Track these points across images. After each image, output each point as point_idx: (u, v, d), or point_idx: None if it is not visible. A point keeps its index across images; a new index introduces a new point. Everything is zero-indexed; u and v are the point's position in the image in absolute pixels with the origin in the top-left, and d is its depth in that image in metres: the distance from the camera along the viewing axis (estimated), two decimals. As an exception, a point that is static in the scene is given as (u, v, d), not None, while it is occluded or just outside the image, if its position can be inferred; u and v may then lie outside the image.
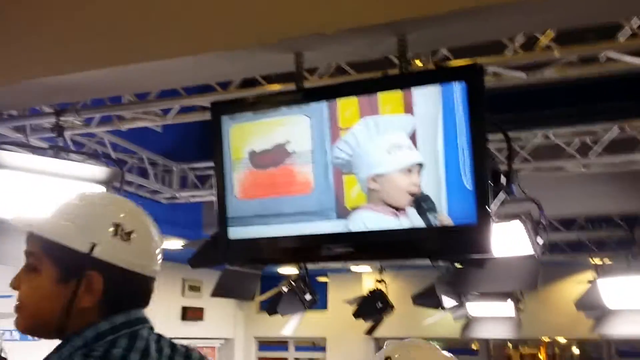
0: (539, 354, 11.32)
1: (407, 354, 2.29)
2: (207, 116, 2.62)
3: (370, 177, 2.08)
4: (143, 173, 5.65)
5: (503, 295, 6.58)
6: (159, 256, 1.49)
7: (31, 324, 1.40)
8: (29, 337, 1.47)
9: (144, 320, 1.43)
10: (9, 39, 2.91)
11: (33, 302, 1.38)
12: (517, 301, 6.94)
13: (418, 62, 2.79)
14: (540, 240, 4.27)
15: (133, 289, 1.42)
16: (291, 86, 2.48)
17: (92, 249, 1.34)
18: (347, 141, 2.12)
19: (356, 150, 2.10)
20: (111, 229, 1.39)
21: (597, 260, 6.47)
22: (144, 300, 1.46)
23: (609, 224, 6.59)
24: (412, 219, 2.03)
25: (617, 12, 2.16)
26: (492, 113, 2.07)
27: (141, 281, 1.43)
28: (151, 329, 1.44)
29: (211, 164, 4.34)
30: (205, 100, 3.59)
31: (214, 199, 2.48)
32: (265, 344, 10.24)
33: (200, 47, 2.47)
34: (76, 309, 1.34)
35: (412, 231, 2.03)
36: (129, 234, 1.40)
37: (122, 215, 1.42)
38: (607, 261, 6.10)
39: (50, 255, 1.37)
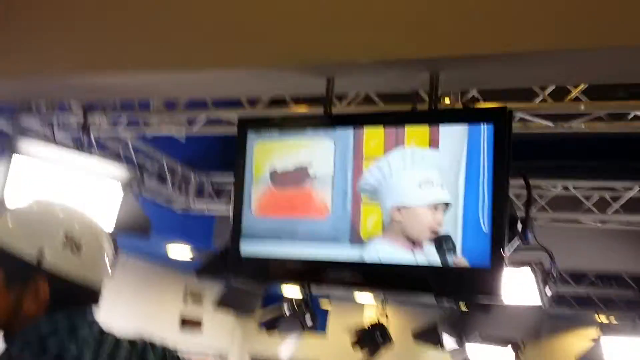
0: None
1: None
2: (232, 130, 2.64)
3: (396, 207, 2.08)
4: (161, 180, 5.69)
5: (504, 342, 6.50)
6: (109, 269, 1.47)
7: None
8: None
9: (87, 317, 1.41)
10: (43, 33, 2.93)
11: None
12: (518, 349, 6.84)
13: (447, 100, 2.81)
14: (548, 292, 4.23)
15: (80, 296, 1.40)
16: (318, 109, 2.51)
17: (40, 257, 1.34)
18: (381, 167, 2.12)
19: (387, 179, 2.11)
20: (61, 240, 1.37)
21: (603, 318, 6.37)
22: (92, 301, 1.45)
23: (619, 282, 6.51)
24: (428, 256, 2.02)
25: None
26: (514, 158, 2.07)
27: (90, 290, 1.42)
28: (94, 323, 1.42)
29: (230, 177, 4.37)
30: (232, 115, 3.63)
31: (228, 212, 2.49)
32: (259, 363, 10.16)
33: (234, 61, 2.50)
34: (21, 313, 1.35)
35: (426, 268, 2.03)
36: (79, 246, 1.38)
37: (73, 226, 1.41)
38: (613, 320, 6.00)
39: None
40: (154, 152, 5.46)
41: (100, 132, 4.35)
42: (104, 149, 4.88)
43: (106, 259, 1.46)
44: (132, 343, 1.44)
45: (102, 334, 1.41)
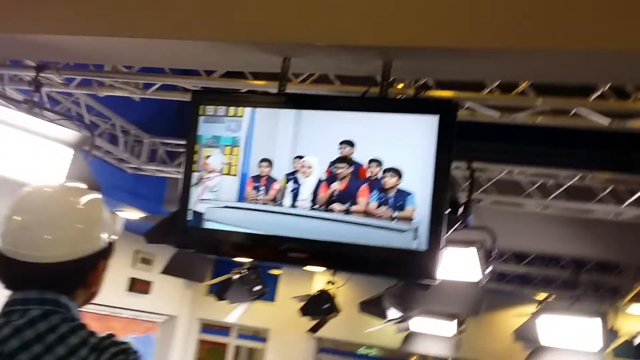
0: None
1: None
2: (186, 97, 2.65)
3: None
4: (113, 140, 5.62)
5: (447, 315, 6.72)
6: (12, 237, 1.48)
7: None
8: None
9: (45, 302, 1.43)
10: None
11: None
12: (459, 322, 7.09)
13: (400, 86, 2.87)
14: (487, 270, 4.40)
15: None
16: (274, 85, 2.54)
17: None
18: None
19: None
20: None
21: (541, 296, 6.67)
22: (14, 281, 1.48)
23: (557, 264, 6.81)
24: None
25: (593, 76, 2.27)
26: (463, 140, 2.16)
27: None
28: (52, 311, 1.43)
29: (183, 141, 4.36)
30: (187, 83, 3.62)
31: (179, 176, 2.51)
32: (208, 327, 10.26)
33: (191, 33, 2.49)
34: None
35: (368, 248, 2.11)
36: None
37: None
38: (550, 298, 6.29)
39: None
40: (107, 112, 5.39)
41: (52, 90, 4.27)
42: (55, 105, 4.79)
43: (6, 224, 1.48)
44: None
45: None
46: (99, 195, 1.63)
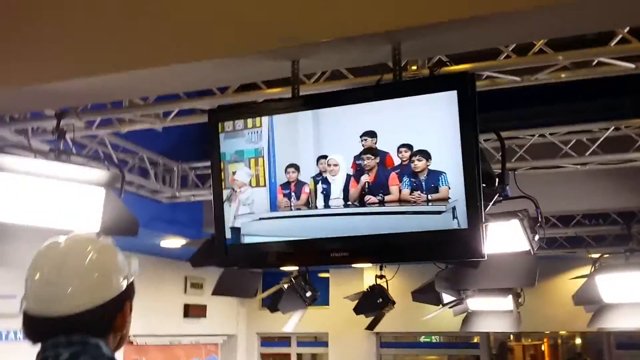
0: (541, 346, 11.38)
1: None
2: (205, 118, 2.66)
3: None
4: (144, 173, 5.69)
5: (502, 291, 6.61)
6: (29, 294, 1.57)
7: None
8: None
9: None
10: (11, 44, 2.94)
11: None
12: (516, 296, 6.98)
13: (413, 68, 2.83)
14: (537, 237, 4.32)
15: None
16: (288, 91, 2.53)
17: None
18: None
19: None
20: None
21: (594, 255, 6.50)
22: (30, 336, 1.57)
23: (606, 220, 6.64)
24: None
25: (607, 23, 2.20)
26: (488, 112, 2.11)
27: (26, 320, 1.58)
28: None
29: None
30: (204, 104, 3.63)
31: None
32: (267, 340, 10.30)
33: (199, 55, 2.51)
34: None
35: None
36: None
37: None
38: (605, 256, 6.13)
39: None
40: (134, 147, 5.46)
41: (76, 134, 4.33)
42: (82, 150, 4.87)
43: (27, 286, 1.58)
44: None
45: None
46: (110, 242, 1.71)
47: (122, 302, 1.61)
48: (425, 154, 2.05)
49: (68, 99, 3.20)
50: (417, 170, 2.06)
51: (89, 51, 2.75)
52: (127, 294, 1.64)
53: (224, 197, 2.40)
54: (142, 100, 3.88)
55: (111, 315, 1.58)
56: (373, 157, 2.12)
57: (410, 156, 2.06)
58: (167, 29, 2.60)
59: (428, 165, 2.05)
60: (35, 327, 1.54)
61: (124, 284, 1.63)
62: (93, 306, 1.53)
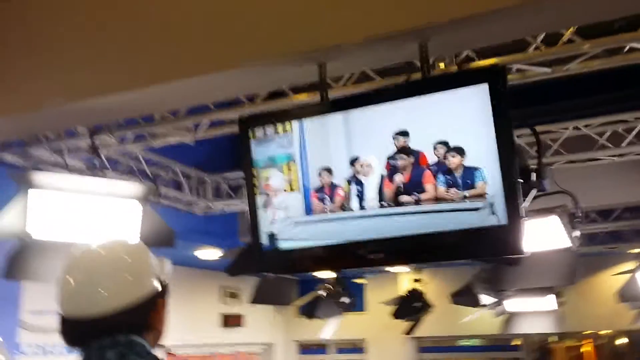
0: (584, 347, 11.12)
1: None
2: (235, 128, 2.68)
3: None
4: (177, 186, 5.76)
5: (542, 290, 6.50)
6: (63, 297, 1.61)
7: None
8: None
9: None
10: (40, 64, 2.99)
11: None
12: (558, 294, 6.84)
13: (441, 65, 2.80)
14: (576, 233, 4.23)
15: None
16: (317, 96, 2.52)
17: None
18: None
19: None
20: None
21: (637, 250, 6.34)
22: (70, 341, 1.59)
23: (647, 212, 6.48)
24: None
25: (637, 6, 2.14)
26: (520, 107, 2.07)
27: (62, 321, 1.60)
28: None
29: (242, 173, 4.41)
30: (233, 114, 3.66)
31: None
32: (305, 348, 10.29)
33: (225, 64, 2.52)
34: None
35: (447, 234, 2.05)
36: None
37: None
38: (648, 250, 5.98)
39: None
40: (167, 161, 5.53)
41: (110, 151, 4.41)
42: (116, 166, 4.95)
43: (61, 292, 1.61)
44: None
45: None
46: (142, 245, 1.76)
47: (155, 300, 1.65)
48: (459, 150, 2.02)
49: (100, 115, 3.25)
50: (451, 167, 2.03)
51: (118, 66, 2.78)
52: (161, 293, 1.68)
53: (259, 203, 2.40)
54: (172, 115, 3.93)
55: (145, 313, 1.61)
56: (407, 157, 2.10)
57: (444, 153, 2.03)
58: (192, 40, 2.61)
59: (462, 162, 2.01)
60: (73, 330, 1.57)
61: (157, 284, 1.66)
62: (128, 306, 1.56)
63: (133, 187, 3.36)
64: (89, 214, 3.19)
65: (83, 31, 2.90)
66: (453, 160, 2.02)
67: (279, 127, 2.36)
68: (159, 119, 3.95)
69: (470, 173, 2.01)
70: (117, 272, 1.60)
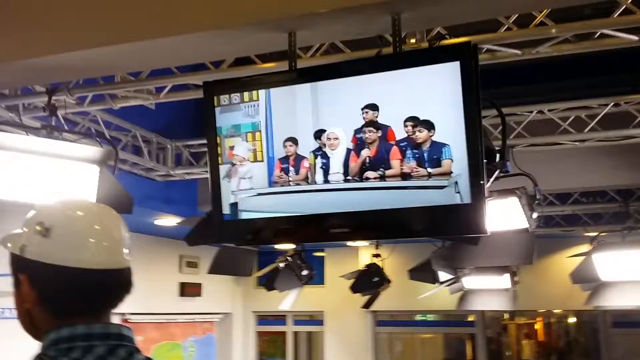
0: (535, 325, 11.45)
1: None
2: (199, 94, 2.61)
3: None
4: (137, 151, 5.63)
5: (499, 269, 6.63)
6: (100, 247, 1.40)
7: (25, 331, 1.43)
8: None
9: (108, 337, 1.35)
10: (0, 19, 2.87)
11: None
12: (513, 274, 6.99)
13: (412, 40, 2.77)
14: (534, 215, 4.30)
15: (73, 284, 1.36)
16: (285, 65, 2.47)
17: (22, 250, 1.37)
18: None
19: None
20: (35, 228, 1.38)
21: (592, 233, 6.50)
22: (103, 296, 1.40)
23: (604, 197, 6.63)
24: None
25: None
26: (486, 88, 2.06)
27: (83, 275, 1.36)
28: (118, 346, 1.36)
29: (205, 141, 4.33)
30: (198, 79, 3.56)
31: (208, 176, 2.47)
32: (263, 318, 10.33)
33: (192, 27, 2.44)
34: (30, 313, 1.38)
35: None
36: (48, 229, 1.37)
37: (45, 214, 1.41)
38: (602, 234, 6.13)
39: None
40: (127, 125, 5.38)
41: (68, 111, 4.27)
42: (74, 127, 4.80)
43: (83, 238, 1.38)
44: None
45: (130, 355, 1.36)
46: None
47: None
48: (428, 124, 2.00)
49: (59, 74, 3.14)
50: (419, 141, 2.01)
51: (79, 24, 2.68)
52: None
53: (221, 172, 2.35)
54: (134, 76, 3.81)
55: None
56: (375, 131, 2.07)
57: (413, 127, 2.01)
58: (158, 0, 2.52)
59: (431, 136, 2.00)
60: (100, 283, 1.38)
61: None
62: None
63: (91, 151, 3.26)
64: (46, 176, 3.08)
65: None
66: (420, 135, 2.00)
67: (246, 95, 2.30)
68: (119, 80, 3.82)
69: (437, 149, 2.00)
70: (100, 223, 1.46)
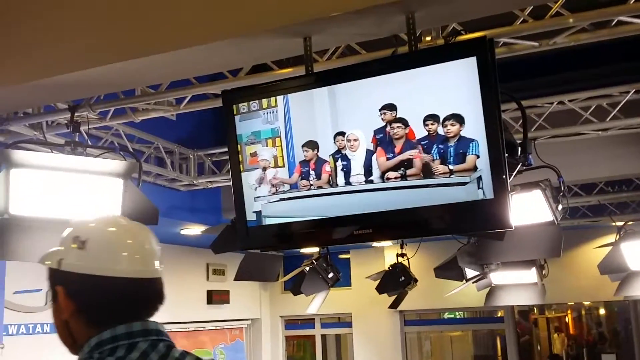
0: (566, 318, 11.32)
1: None
2: (219, 103, 2.63)
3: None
4: (160, 162, 5.69)
5: (526, 263, 6.55)
6: (133, 257, 1.46)
7: (63, 343, 1.48)
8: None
9: (149, 333, 1.42)
10: (21, 39, 2.93)
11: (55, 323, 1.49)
12: (540, 267, 6.92)
13: (427, 38, 2.77)
14: (560, 207, 4.25)
15: (108, 294, 1.42)
16: (302, 70, 2.48)
17: (59, 264, 1.44)
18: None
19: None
20: (72, 242, 1.45)
21: (619, 223, 6.41)
22: (137, 305, 1.45)
23: (629, 186, 6.53)
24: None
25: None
26: (505, 81, 2.05)
27: (117, 285, 1.42)
28: (158, 341, 1.43)
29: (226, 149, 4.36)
30: (216, 88, 3.60)
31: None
32: (291, 323, 10.35)
33: (209, 37, 2.47)
34: (67, 324, 1.43)
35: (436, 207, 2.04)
36: (83, 242, 1.44)
37: (81, 229, 1.48)
38: (629, 223, 6.03)
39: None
40: (149, 137, 5.45)
41: (91, 126, 4.33)
42: (97, 142, 4.87)
43: (118, 249, 1.45)
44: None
45: (166, 355, 1.42)
46: None
47: None
48: (459, 118, 1.99)
49: (80, 90, 3.19)
50: (449, 135, 2.00)
51: (98, 41, 2.72)
52: None
53: (244, 179, 2.37)
54: (154, 89, 3.86)
55: None
56: (404, 127, 2.07)
57: (444, 121, 1.99)
58: (174, 13, 2.56)
59: (461, 131, 1.99)
60: (138, 290, 1.46)
61: None
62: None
63: (115, 165, 3.31)
64: (71, 192, 3.13)
65: (63, 6, 2.83)
66: (452, 129, 1.99)
67: (264, 102, 2.33)
68: (139, 93, 3.87)
69: (465, 144, 1.99)
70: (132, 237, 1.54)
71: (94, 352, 1.36)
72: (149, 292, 1.48)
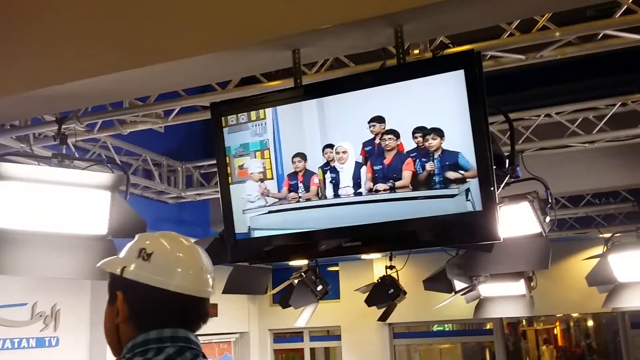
0: (554, 330, 11.34)
1: None
2: (207, 115, 2.63)
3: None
4: (148, 175, 5.66)
5: (514, 275, 6.57)
6: (188, 274, 1.59)
7: (109, 346, 1.60)
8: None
9: (177, 340, 1.51)
10: (8, 51, 2.91)
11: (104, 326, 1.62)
12: (528, 279, 6.93)
13: (415, 51, 2.78)
14: (547, 219, 4.27)
15: (160, 304, 1.55)
16: (291, 83, 2.48)
17: (122, 271, 1.57)
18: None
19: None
20: (137, 253, 1.59)
21: (606, 235, 6.45)
22: (183, 318, 1.56)
23: (616, 198, 6.58)
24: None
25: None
26: (493, 94, 2.06)
27: (170, 297, 1.55)
28: (185, 348, 1.51)
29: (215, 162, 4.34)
30: (205, 101, 3.59)
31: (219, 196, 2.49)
32: (280, 336, 10.29)
33: (198, 50, 2.46)
34: (118, 328, 1.55)
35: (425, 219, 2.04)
36: (149, 254, 1.57)
37: (147, 242, 1.62)
38: (617, 235, 6.07)
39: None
40: (136, 149, 5.43)
41: (78, 138, 4.31)
42: (85, 154, 4.84)
43: (178, 266, 1.59)
44: None
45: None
46: None
47: None
48: (439, 132, 2.00)
49: (67, 102, 3.16)
50: (431, 149, 2.01)
51: (86, 52, 2.71)
52: None
53: (232, 192, 2.36)
54: (142, 101, 3.84)
55: None
56: (395, 139, 2.07)
57: (424, 135, 2.01)
58: (163, 25, 2.55)
59: (442, 144, 2.00)
60: (188, 306, 1.57)
61: None
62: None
63: (103, 177, 3.29)
64: (58, 205, 3.11)
65: (50, 18, 2.82)
66: (433, 142, 2.00)
67: (253, 114, 2.32)
68: (127, 105, 3.86)
69: (449, 156, 2.00)
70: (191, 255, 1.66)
71: (128, 354, 1.49)
72: (196, 309, 1.60)
